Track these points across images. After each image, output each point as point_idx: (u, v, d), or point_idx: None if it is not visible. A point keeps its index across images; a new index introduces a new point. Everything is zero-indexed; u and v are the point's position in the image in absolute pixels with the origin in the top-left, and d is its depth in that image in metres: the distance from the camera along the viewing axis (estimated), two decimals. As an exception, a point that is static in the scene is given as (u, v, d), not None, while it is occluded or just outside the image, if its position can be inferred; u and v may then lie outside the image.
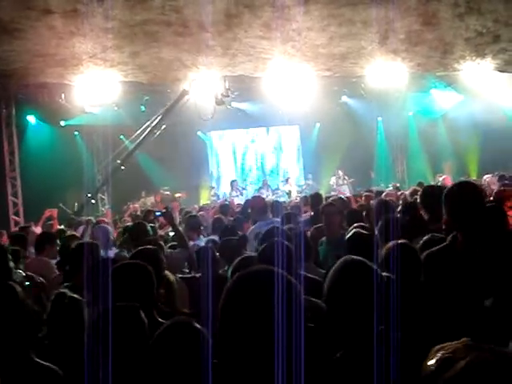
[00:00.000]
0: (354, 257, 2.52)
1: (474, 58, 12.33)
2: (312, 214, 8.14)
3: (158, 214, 7.83)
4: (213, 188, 20.64)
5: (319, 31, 9.92)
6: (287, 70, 11.40)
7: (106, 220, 11.03)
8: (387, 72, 12.52)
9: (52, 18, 9.17)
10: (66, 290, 3.45)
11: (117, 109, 16.58)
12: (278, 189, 20.29)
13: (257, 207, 7.77)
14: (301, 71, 11.66)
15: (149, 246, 4.40)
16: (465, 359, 1.30)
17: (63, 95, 14.65)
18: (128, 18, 9.29)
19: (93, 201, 15.92)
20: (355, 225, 5.17)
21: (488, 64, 12.89)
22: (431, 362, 1.37)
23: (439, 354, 1.37)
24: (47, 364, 2.71)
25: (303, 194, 15.66)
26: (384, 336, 2.22)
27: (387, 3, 9.59)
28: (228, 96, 13.99)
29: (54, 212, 12.99)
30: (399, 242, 3.46)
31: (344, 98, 19.07)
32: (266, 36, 9.70)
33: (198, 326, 2.37)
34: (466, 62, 12.36)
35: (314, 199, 8.58)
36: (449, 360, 1.33)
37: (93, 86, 12.09)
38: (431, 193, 5.12)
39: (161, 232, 8.83)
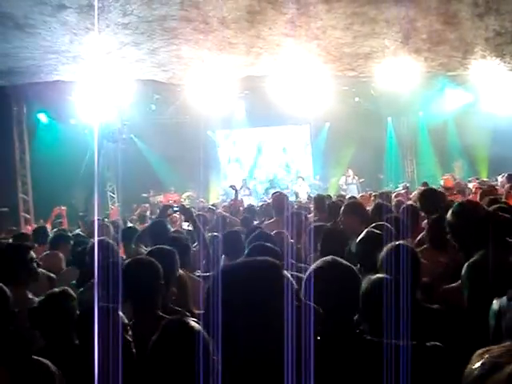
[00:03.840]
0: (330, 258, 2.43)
1: (493, 58, 11.88)
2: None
3: (175, 209, 7.14)
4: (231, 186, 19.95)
5: (343, 30, 9.37)
6: (308, 70, 10.71)
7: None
8: (406, 72, 11.91)
9: (66, 12, 8.73)
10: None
11: (127, 107, 15.91)
12: (287, 188, 19.62)
13: (275, 204, 7.29)
14: (321, 71, 10.98)
15: (164, 246, 4.16)
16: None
17: (73, 93, 14.08)
18: (146, 14, 8.72)
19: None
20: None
21: (507, 64, 12.49)
22: (476, 366, 1.28)
23: (485, 358, 1.28)
24: None
25: (314, 195, 14.97)
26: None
27: (409, 2, 9.23)
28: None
29: (63, 210, 12.48)
30: (397, 243, 3.28)
31: (356, 99, 18.36)
32: (290, 34, 9.05)
33: (193, 324, 2.31)
34: (486, 61, 11.82)
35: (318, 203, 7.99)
36: (496, 364, 1.25)
37: (104, 84, 11.42)
38: (429, 196, 5.24)
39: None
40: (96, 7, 8.29)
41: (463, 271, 3.22)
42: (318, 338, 1.52)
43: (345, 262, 2.42)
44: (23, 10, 8.44)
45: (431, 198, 5.28)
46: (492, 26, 10.66)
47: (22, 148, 14.75)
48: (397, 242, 3.30)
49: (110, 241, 5.03)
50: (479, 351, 1.34)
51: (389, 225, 4.34)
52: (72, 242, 6.89)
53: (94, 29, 9.01)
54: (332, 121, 19.55)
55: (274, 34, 9.26)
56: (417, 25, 9.83)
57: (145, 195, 18.51)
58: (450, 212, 3.70)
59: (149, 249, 5.09)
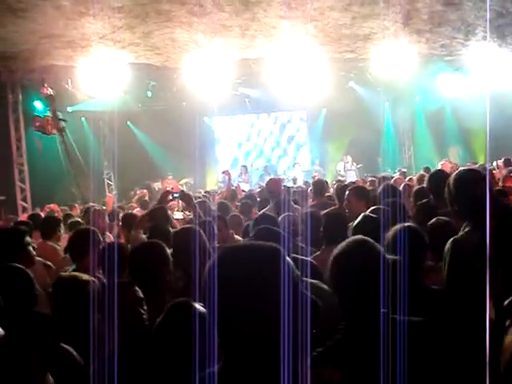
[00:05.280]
0: (361, 237, 2.51)
1: (495, 39, 11.56)
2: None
3: (176, 195, 6.94)
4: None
5: (342, 11, 9.01)
6: (306, 53, 10.36)
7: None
8: (406, 55, 11.58)
9: (60, -4, 8.25)
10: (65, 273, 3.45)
11: (123, 94, 15.61)
12: (284, 174, 19.39)
13: (272, 190, 7.27)
14: (319, 54, 10.64)
15: (189, 226, 4.28)
16: None
17: (69, 81, 13.79)
18: (140, -4, 8.30)
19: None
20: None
21: (508, 46, 12.21)
22: None
23: None
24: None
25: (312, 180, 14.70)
26: (388, 318, 2.15)
27: (409, -18, 8.93)
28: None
29: (54, 207, 12.21)
30: (406, 224, 3.28)
31: (351, 84, 18.04)
32: (286, 15, 8.71)
33: (197, 306, 2.30)
34: (488, 43, 11.55)
35: (317, 187, 7.82)
36: None
37: (100, 70, 11.11)
38: (439, 178, 5.05)
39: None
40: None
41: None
42: (314, 331, 1.41)
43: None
44: (16, -7, 8.15)
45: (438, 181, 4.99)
46: (493, 6, 10.31)
47: (19, 136, 14.50)
48: (406, 224, 3.29)
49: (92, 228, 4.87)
50: None
51: (396, 208, 4.21)
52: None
53: (87, 13, 8.71)
54: (329, 106, 19.24)
55: (269, 16, 8.94)
56: (417, 5, 9.51)
57: (147, 182, 18.28)
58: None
59: (147, 234, 5.18)
